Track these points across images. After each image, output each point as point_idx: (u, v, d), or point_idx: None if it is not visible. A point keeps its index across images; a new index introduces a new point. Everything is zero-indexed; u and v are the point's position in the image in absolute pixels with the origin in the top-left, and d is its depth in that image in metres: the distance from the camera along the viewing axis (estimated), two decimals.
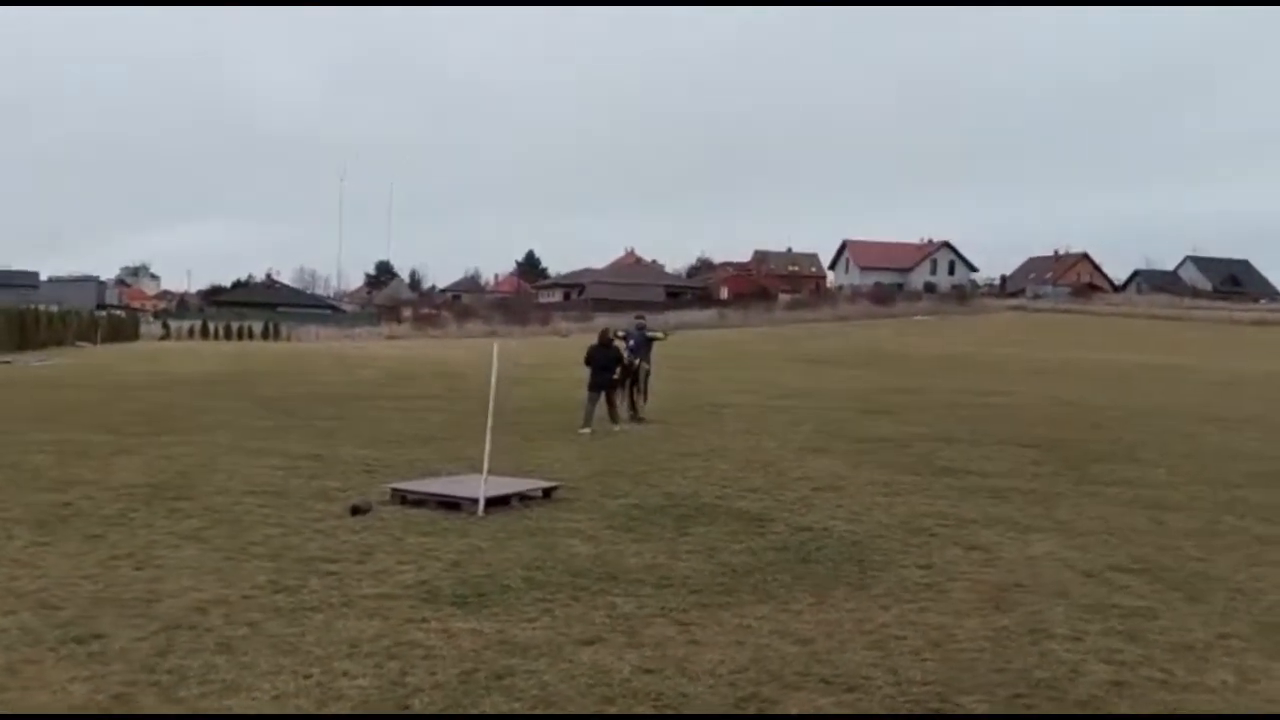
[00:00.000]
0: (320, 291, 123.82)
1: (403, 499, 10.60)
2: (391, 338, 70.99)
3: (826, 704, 5.35)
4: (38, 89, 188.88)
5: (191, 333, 67.09)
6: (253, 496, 10.62)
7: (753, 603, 7.28)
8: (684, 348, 50.32)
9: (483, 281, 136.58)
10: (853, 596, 7.52)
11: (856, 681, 5.71)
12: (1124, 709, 5.39)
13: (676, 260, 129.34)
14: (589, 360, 18.37)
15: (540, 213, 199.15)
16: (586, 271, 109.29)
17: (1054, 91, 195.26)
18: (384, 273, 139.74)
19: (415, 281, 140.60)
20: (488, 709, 5.10)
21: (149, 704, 5.01)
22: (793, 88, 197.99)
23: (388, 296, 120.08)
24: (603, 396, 18.21)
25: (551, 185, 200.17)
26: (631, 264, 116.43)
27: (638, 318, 21.34)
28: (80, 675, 5.35)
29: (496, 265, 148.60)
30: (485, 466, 10.56)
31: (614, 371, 18.38)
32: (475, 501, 10.18)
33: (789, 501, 11.32)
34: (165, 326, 69.21)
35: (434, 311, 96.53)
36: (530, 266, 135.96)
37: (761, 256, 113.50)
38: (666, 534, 9.48)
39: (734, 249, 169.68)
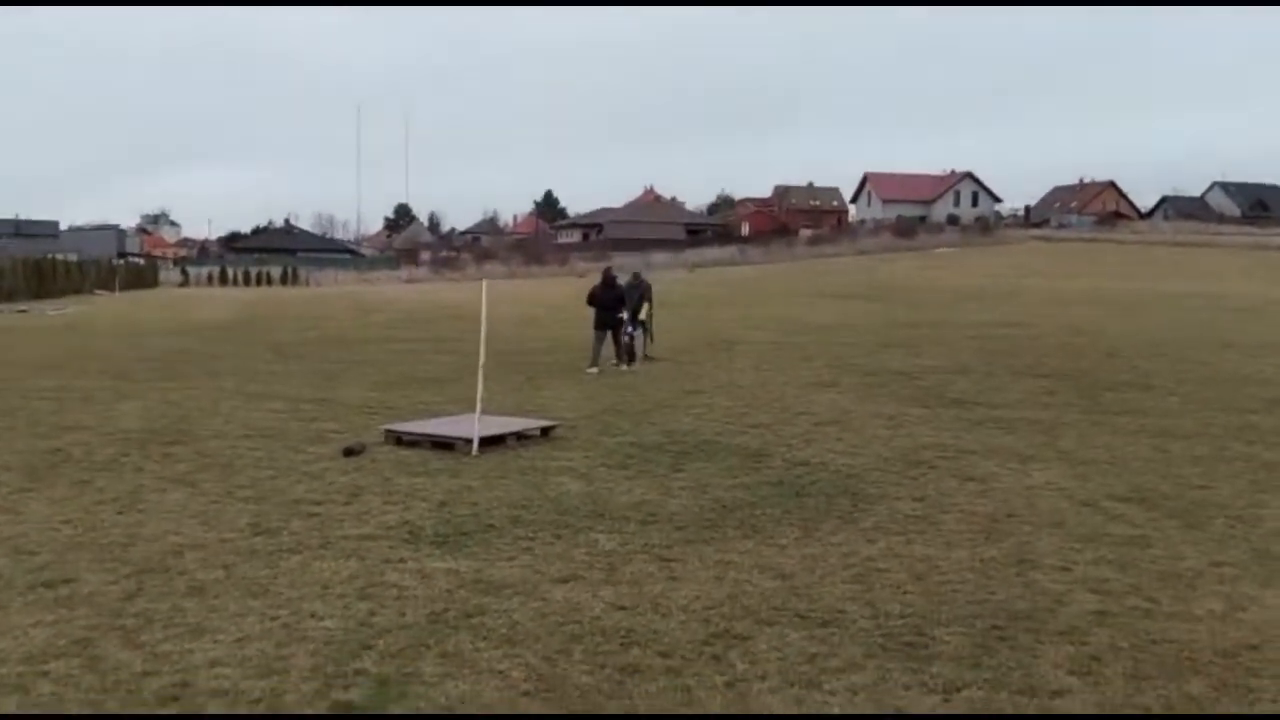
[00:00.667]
0: (340, 236, 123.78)
1: (397, 440, 10.55)
2: (410, 281, 70.86)
3: (798, 638, 5.25)
4: (63, 38, 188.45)
5: (210, 279, 67.19)
6: (248, 440, 10.60)
7: (738, 538, 7.19)
8: (702, 285, 50.07)
9: (501, 223, 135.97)
10: (841, 530, 7.41)
11: (832, 616, 5.61)
12: (1104, 639, 5.27)
13: (696, 197, 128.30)
14: (592, 300, 18.19)
15: (559, 152, 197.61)
16: (605, 211, 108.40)
17: (1079, 17, 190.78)
18: (403, 216, 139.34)
19: (434, 224, 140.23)
20: (450, 649, 5.03)
21: (111, 648, 4.98)
22: (813, 19, 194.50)
23: (407, 240, 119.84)
24: (609, 336, 18.06)
25: (571, 124, 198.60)
26: (651, 202, 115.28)
27: (634, 277, 20.34)
28: (44, 620, 5.33)
29: (515, 206, 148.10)
30: (478, 405, 10.48)
31: (619, 311, 18.17)
32: (469, 441, 10.11)
33: (789, 437, 11.18)
34: (184, 274, 69.36)
35: (453, 254, 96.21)
36: (549, 207, 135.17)
37: (783, 192, 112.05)
38: (660, 471, 9.39)
39: (755, 185, 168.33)
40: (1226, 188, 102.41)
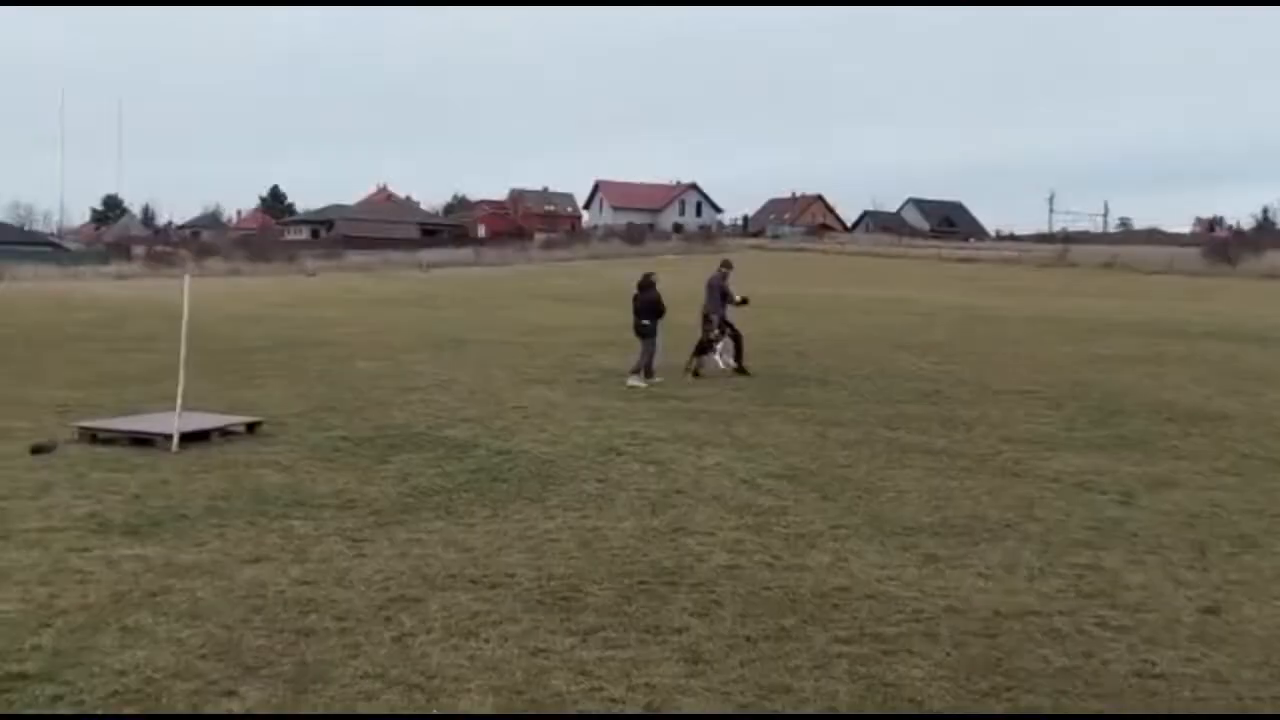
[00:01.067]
0: (40, 228, 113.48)
1: (92, 437, 10.36)
2: (121, 277, 66.17)
3: (467, 599, 5.89)
4: None
5: None
6: None
7: (431, 520, 7.74)
8: (437, 286, 49.95)
9: (224, 218, 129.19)
10: (526, 509, 8.11)
11: (502, 580, 6.28)
12: (728, 588, 6.23)
13: (431, 197, 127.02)
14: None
15: (285, 148, 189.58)
16: (336, 208, 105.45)
17: (792, 39, 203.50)
18: (113, 208, 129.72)
19: (149, 217, 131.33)
20: (130, 624, 5.32)
21: None
22: (555, 29, 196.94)
23: (118, 234, 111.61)
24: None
25: (298, 119, 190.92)
26: (384, 200, 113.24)
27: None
28: None
29: (239, 202, 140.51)
30: (179, 401, 10.45)
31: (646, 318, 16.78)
32: (169, 437, 10.09)
33: (496, 429, 11.81)
34: None
35: (170, 249, 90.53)
36: (276, 202, 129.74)
37: (518, 195, 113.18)
38: (364, 463, 9.77)
39: (490, 187, 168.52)
40: (919, 204, 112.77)
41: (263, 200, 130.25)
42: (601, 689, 4.74)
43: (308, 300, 38.07)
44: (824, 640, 5.41)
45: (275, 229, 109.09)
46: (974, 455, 10.71)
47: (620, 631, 5.45)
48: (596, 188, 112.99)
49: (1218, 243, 68.50)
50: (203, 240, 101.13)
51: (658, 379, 16.22)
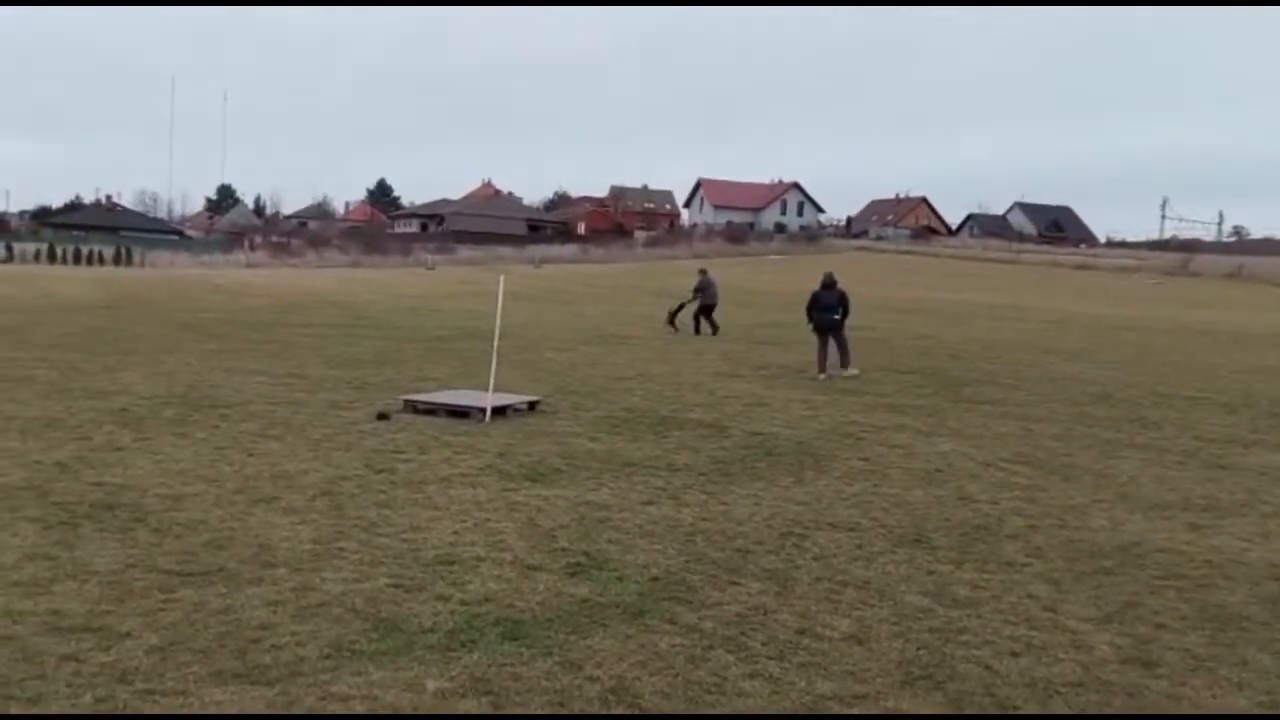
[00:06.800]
0: (161, 215, 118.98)
1: (414, 408, 12.23)
2: (251, 266, 69.69)
3: (841, 537, 7.51)
4: None
5: (38, 256, 64.37)
6: (285, 406, 12.05)
7: (747, 481, 9.37)
8: (557, 282, 51.99)
9: (332, 210, 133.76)
10: (820, 477, 9.70)
11: (853, 525, 7.89)
12: (1039, 540, 7.73)
13: (533, 193, 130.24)
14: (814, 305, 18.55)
15: (389, 141, 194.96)
16: (444, 202, 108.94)
17: (891, 39, 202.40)
18: (226, 197, 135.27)
19: (260, 207, 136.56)
20: (610, 539, 7.04)
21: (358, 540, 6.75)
22: (644, 28, 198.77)
23: (231, 223, 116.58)
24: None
25: (400, 114, 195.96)
26: (490, 195, 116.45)
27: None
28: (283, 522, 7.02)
29: (345, 193, 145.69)
30: (491, 380, 12.28)
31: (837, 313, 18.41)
32: (482, 410, 11.92)
33: (732, 414, 13.43)
34: (9, 249, 66.10)
35: (284, 239, 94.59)
36: (382, 195, 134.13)
37: (619, 192, 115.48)
38: (650, 436, 11.45)
39: (590, 183, 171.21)
40: (1025, 208, 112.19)
41: (370, 193, 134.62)
42: (998, 596, 6.31)
43: (442, 294, 40.32)
44: (1144, 577, 6.91)
45: (383, 222, 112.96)
46: (1178, 450, 12.02)
47: (980, 563, 7.01)
48: (698, 185, 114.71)
49: None
50: (311, 230, 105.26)
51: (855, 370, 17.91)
